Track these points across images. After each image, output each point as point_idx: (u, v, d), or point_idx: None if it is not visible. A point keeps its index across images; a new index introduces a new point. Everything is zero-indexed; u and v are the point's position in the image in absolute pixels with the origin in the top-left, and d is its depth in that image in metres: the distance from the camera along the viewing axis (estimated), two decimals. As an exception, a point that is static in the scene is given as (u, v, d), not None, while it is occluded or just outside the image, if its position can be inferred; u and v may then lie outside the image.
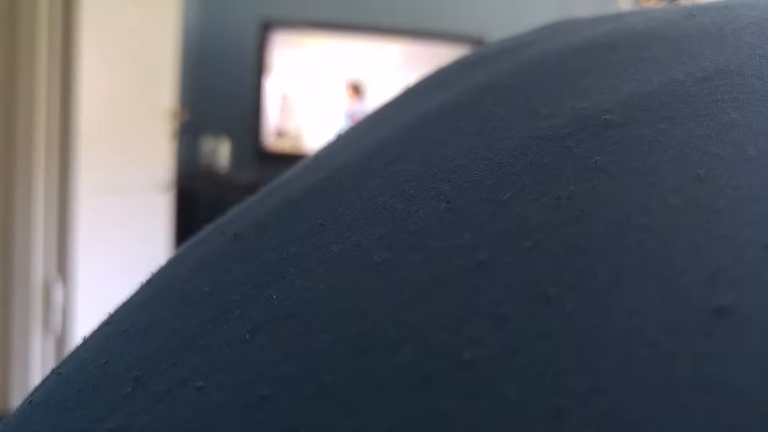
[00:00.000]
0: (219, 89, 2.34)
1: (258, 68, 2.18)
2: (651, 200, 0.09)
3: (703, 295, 0.07)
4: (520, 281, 0.08)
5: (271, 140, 2.20)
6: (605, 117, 0.11)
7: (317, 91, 2.18)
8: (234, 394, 0.09)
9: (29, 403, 0.11)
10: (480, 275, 0.09)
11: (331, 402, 0.08)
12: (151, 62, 1.70)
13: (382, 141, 0.13)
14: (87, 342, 0.12)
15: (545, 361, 0.07)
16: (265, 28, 2.17)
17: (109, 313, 0.13)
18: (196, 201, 2.21)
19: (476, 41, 2.16)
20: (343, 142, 0.15)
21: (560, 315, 0.08)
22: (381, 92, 2.15)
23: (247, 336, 0.10)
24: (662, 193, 0.09)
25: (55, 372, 0.12)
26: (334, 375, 0.08)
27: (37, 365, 1.47)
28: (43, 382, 0.12)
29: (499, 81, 0.13)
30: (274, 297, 0.10)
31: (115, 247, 1.61)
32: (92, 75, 1.48)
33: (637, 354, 0.07)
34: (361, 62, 2.16)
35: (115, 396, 0.10)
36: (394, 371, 0.08)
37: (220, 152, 2.21)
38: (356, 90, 2.16)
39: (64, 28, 1.42)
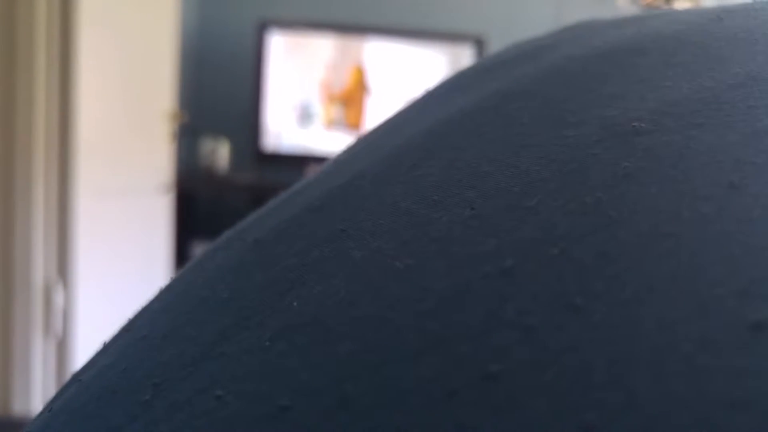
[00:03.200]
0: (218, 90, 2.34)
1: (256, 69, 2.18)
2: (682, 208, 0.09)
3: (738, 309, 0.07)
4: (547, 290, 0.08)
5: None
6: (634, 124, 0.11)
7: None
8: (253, 404, 0.09)
9: (49, 411, 0.11)
10: (506, 283, 0.09)
11: (352, 413, 0.08)
12: (149, 64, 1.69)
13: (403, 145, 0.13)
14: (106, 348, 0.12)
15: (574, 374, 0.07)
16: (263, 29, 2.17)
17: (129, 319, 0.13)
18: (195, 202, 2.20)
19: (476, 41, 2.16)
20: (363, 146, 0.15)
21: (589, 326, 0.08)
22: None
23: (267, 344, 0.10)
24: (693, 201, 0.09)
25: (75, 378, 0.12)
26: (356, 385, 0.08)
27: (38, 368, 1.46)
28: (64, 389, 0.12)
29: (522, 86, 0.13)
30: (295, 304, 0.10)
31: (115, 250, 1.60)
32: (91, 77, 1.47)
33: (670, 369, 0.07)
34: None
35: (133, 404, 0.10)
36: (417, 382, 0.08)
37: (220, 153, 2.21)
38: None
39: (62, 29, 1.42)
